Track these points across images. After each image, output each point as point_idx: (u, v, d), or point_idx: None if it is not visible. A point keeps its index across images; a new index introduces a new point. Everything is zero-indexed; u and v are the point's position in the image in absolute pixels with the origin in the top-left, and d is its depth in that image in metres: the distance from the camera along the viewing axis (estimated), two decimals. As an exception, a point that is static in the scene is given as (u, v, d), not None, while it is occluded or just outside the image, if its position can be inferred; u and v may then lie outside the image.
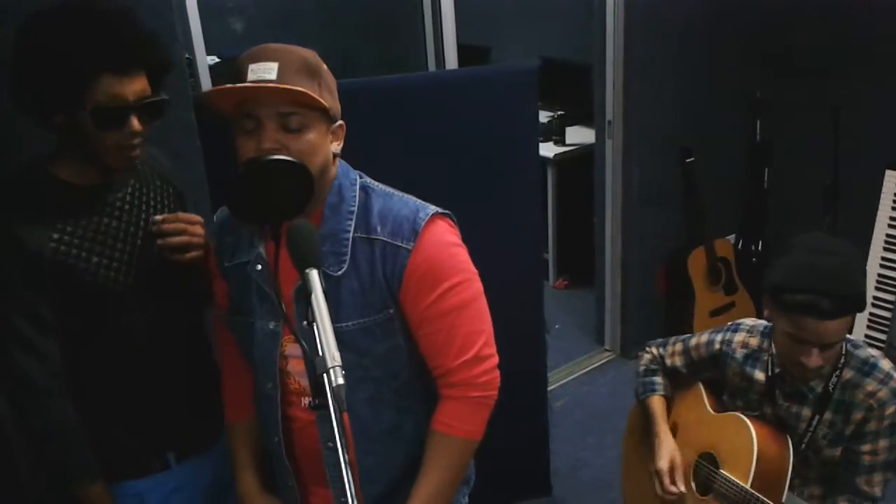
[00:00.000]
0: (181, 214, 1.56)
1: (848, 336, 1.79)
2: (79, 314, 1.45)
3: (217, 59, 3.12)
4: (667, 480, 1.90)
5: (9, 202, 1.40)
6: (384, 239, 1.36)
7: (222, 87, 1.24)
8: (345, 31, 4.46)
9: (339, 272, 1.35)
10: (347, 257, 1.35)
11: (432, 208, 1.40)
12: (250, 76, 1.25)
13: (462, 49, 3.01)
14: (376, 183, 1.44)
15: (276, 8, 4.36)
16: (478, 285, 1.43)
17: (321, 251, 1.32)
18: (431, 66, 3.14)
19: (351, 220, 1.37)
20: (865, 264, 1.74)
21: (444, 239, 1.39)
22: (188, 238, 1.53)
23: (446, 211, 1.43)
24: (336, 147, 1.36)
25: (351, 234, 1.36)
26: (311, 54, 1.32)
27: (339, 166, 1.40)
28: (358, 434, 1.44)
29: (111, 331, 1.50)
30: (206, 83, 2.42)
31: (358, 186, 1.40)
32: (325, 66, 1.34)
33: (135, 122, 1.37)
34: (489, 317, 1.45)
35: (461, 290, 1.39)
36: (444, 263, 1.38)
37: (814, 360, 1.68)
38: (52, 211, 1.41)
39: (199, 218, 1.59)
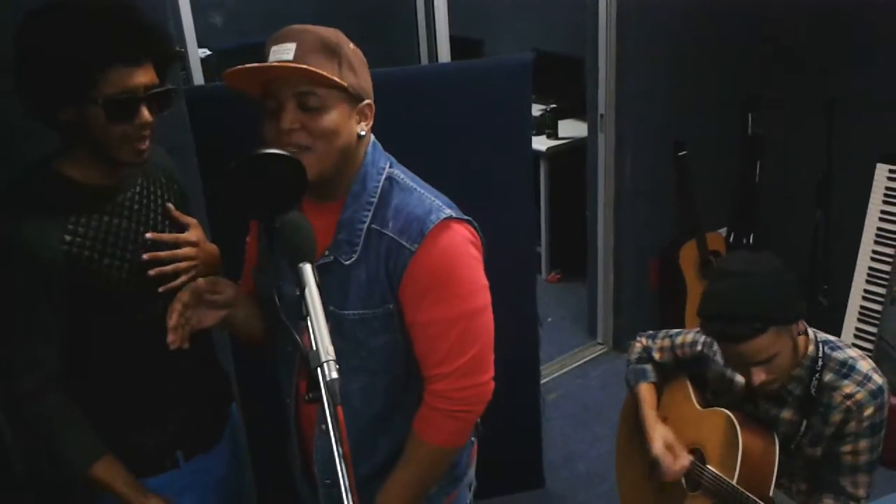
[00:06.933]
0: (175, 236, 1.55)
1: (828, 337, 1.80)
2: (91, 315, 1.45)
3: (208, 52, 3.11)
4: (668, 460, 1.90)
5: (18, 206, 1.38)
6: (391, 235, 1.35)
7: (236, 68, 1.26)
8: (336, 23, 4.43)
9: (349, 261, 1.36)
10: (359, 247, 1.36)
11: (447, 212, 1.37)
12: (271, 58, 1.28)
13: (455, 42, 2.99)
14: (404, 173, 1.42)
15: (267, 0, 4.35)
16: (479, 301, 1.40)
17: (338, 239, 1.36)
18: (424, 59, 3.12)
19: (369, 210, 1.36)
20: (784, 276, 1.69)
21: (451, 246, 1.35)
22: (176, 266, 1.53)
23: (466, 217, 1.40)
24: (363, 128, 1.35)
25: (366, 225, 1.36)
26: (332, 33, 1.32)
27: (371, 152, 1.40)
28: (348, 420, 1.43)
29: (124, 330, 1.50)
30: (197, 76, 2.41)
31: (384, 176, 1.39)
32: (349, 45, 1.34)
33: (145, 113, 1.37)
34: (488, 335, 1.42)
35: (456, 304, 1.37)
36: (444, 272, 1.35)
37: (756, 376, 1.69)
38: (62, 211, 1.39)
39: (193, 238, 1.57)
